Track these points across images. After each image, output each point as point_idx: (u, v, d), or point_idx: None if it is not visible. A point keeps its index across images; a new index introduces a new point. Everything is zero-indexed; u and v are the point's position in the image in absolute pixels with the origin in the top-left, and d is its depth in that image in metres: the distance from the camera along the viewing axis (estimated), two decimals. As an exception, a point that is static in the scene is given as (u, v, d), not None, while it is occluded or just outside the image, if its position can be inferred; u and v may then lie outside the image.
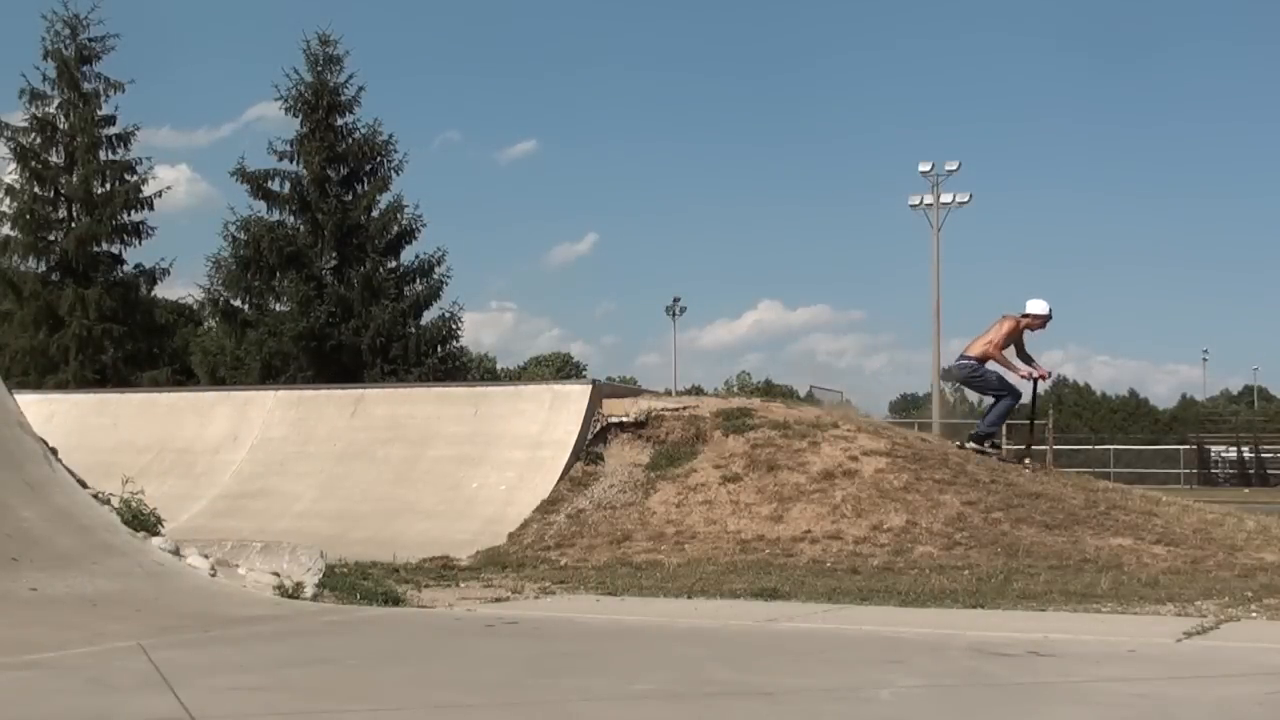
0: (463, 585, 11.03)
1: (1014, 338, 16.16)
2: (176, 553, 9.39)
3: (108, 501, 10.01)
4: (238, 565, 9.59)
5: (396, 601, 9.25)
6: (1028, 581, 11.38)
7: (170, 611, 8.06)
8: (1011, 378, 16.23)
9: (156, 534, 9.78)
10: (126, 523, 9.71)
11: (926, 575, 11.77)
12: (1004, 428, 17.36)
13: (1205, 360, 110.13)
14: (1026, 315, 16.24)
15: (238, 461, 16.92)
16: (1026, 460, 16.78)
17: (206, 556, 9.43)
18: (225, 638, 7.38)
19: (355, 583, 9.55)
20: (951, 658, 6.90)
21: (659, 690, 5.98)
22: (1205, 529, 14.54)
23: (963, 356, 16.42)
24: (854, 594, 10.37)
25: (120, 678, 5.95)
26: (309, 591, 9.07)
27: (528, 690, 5.95)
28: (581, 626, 8.34)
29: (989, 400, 16.76)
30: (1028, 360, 16.35)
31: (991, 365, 16.10)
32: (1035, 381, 16.54)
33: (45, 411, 19.24)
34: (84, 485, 10.21)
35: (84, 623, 7.47)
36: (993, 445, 16.35)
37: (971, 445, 16.31)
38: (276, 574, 9.33)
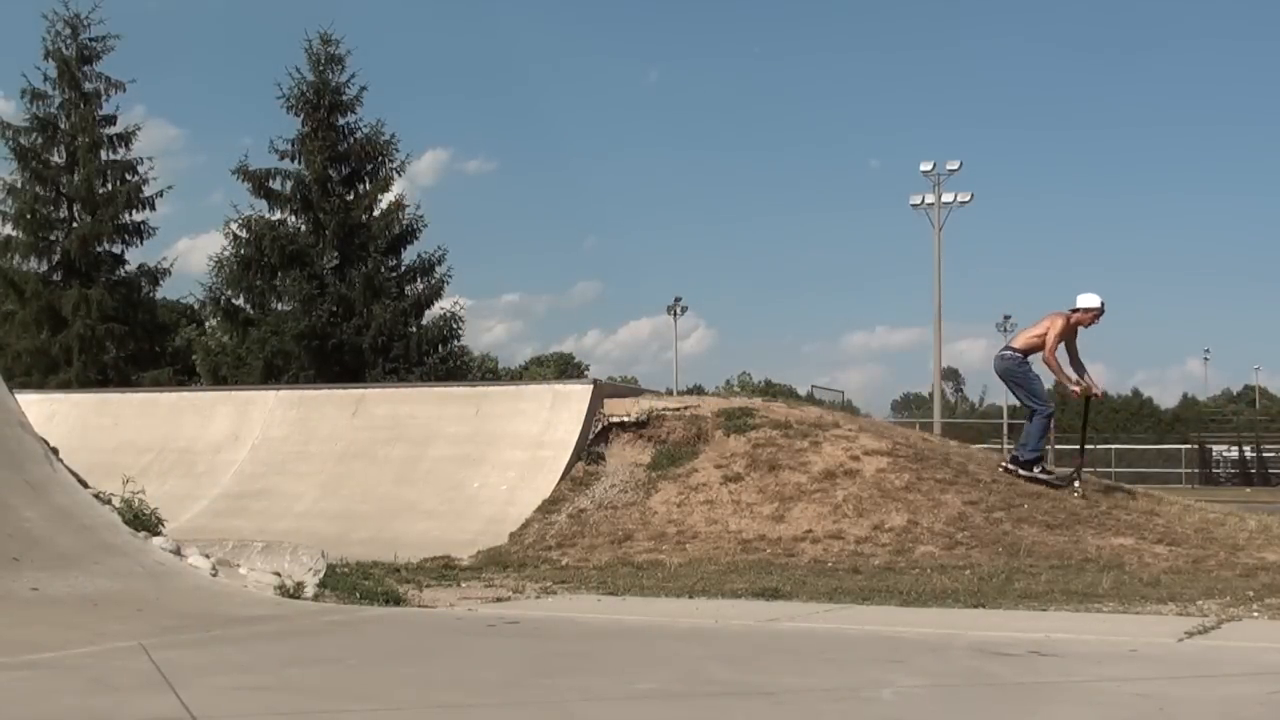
0: (464, 585, 11.02)
1: (1065, 337, 14.55)
2: (178, 552, 9.38)
3: (109, 501, 10.00)
4: (239, 565, 9.58)
5: (398, 601, 9.24)
6: (1029, 581, 11.33)
7: (171, 611, 8.04)
8: (1059, 387, 14.80)
9: (158, 534, 9.77)
10: (128, 522, 9.69)
11: (928, 575, 11.72)
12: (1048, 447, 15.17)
13: (1207, 359, 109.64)
14: (1076, 310, 14.59)
15: (239, 461, 16.90)
16: (1076, 483, 15.03)
17: (208, 556, 9.42)
18: (227, 637, 7.36)
19: (356, 583, 9.53)
20: (953, 657, 6.88)
21: (660, 690, 5.97)
22: (1207, 528, 14.48)
23: (1007, 348, 15.05)
24: (855, 594, 10.32)
25: (121, 678, 5.94)
26: (310, 591, 9.06)
27: (528, 690, 5.93)
28: (583, 626, 8.32)
29: (1023, 413, 15.16)
30: (1080, 369, 14.83)
31: (1037, 367, 14.55)
32: (1087, 399, 15.05)
33: (46, 411, 19.22)
34: (85, 485, 10.20)
35: (85, 622, 7.46)
36: (1043, 471, 14.86)
37: (1021, 473, 14.79)
38: (278, 574, 9.32)
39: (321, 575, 9.33)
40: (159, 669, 6.06)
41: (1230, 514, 15.57)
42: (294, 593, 9.00)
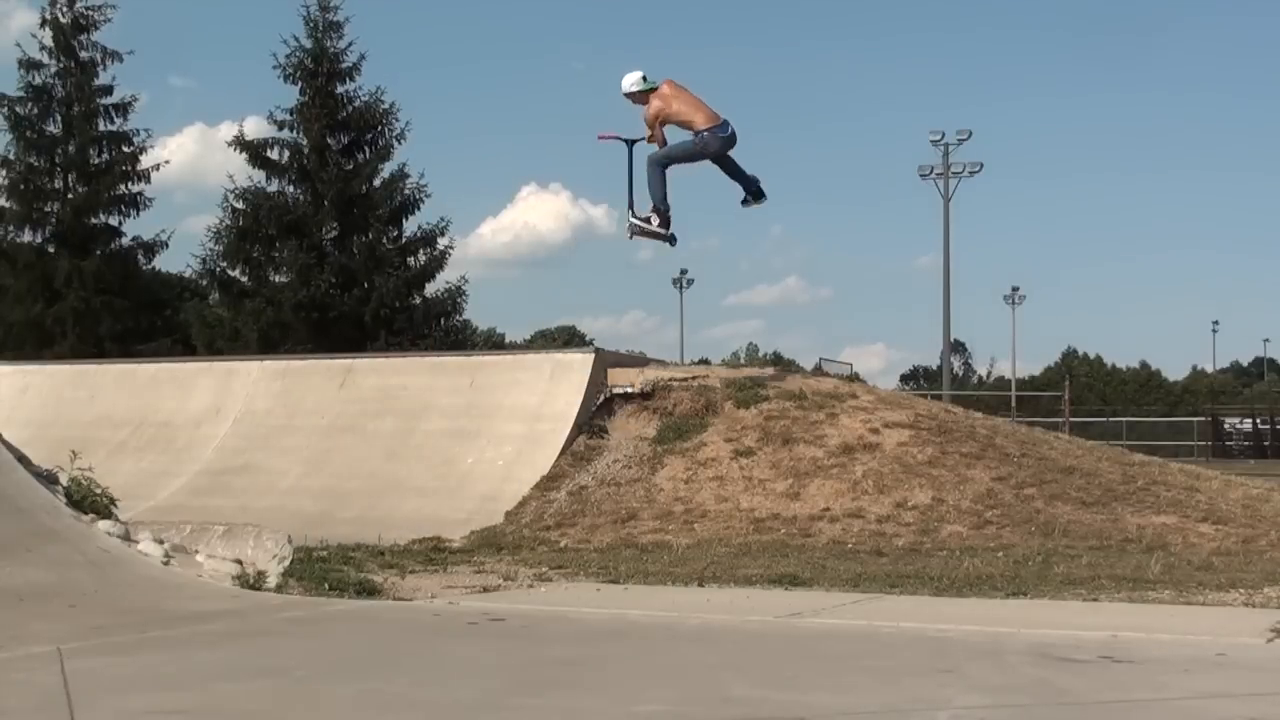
0: (451, 570, 10.07)
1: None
2: (127, 538, 8.36)
3: (55, 480, 9.01)
4: (197, 551, 8.59)
5: (372, 593, 8.19)
6: (1069, 565, 10.46)
7: (109, 607, 7.04)
8: None
9: (108, 516, 8.76)
10: (74, 504, 8.69)
11: (957, 557, 10.88)
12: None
13: (1215, 331, 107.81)
14: None
15: (220, 435, 15.96)
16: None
17: (161, 542, 8.41)
18: (163, 640, 6.35)
19: (327, 571, 8.51)
20: (1011, 665, 5.86)
21: (666, 713, 4.93)
22: (1252, 505, 13.73)
23: None
24: (881, 580, 9.43)
25: (16, 696, 4.93)
26: (272, 582, 8.04)
27: (507, 713, 4.91)
28: (578, 625, 7.28)
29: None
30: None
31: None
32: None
33: (20, 384, 18.40)
34: (28, 462, 9.20)
35: (4, 621, 6.47)
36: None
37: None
38: (239, 561, 8.34)
39: (288, 563, 8.33)
40: (66, 684, 5.06)
41: (1274, 490, 14.80)
42: (254, 583, 8.00)
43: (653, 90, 13.69)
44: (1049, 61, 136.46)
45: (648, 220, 14.05)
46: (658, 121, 13.65)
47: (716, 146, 13.67)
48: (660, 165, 13.82)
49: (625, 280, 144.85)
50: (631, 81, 13.61)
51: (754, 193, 14.33)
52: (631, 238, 14.44)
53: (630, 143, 14.11)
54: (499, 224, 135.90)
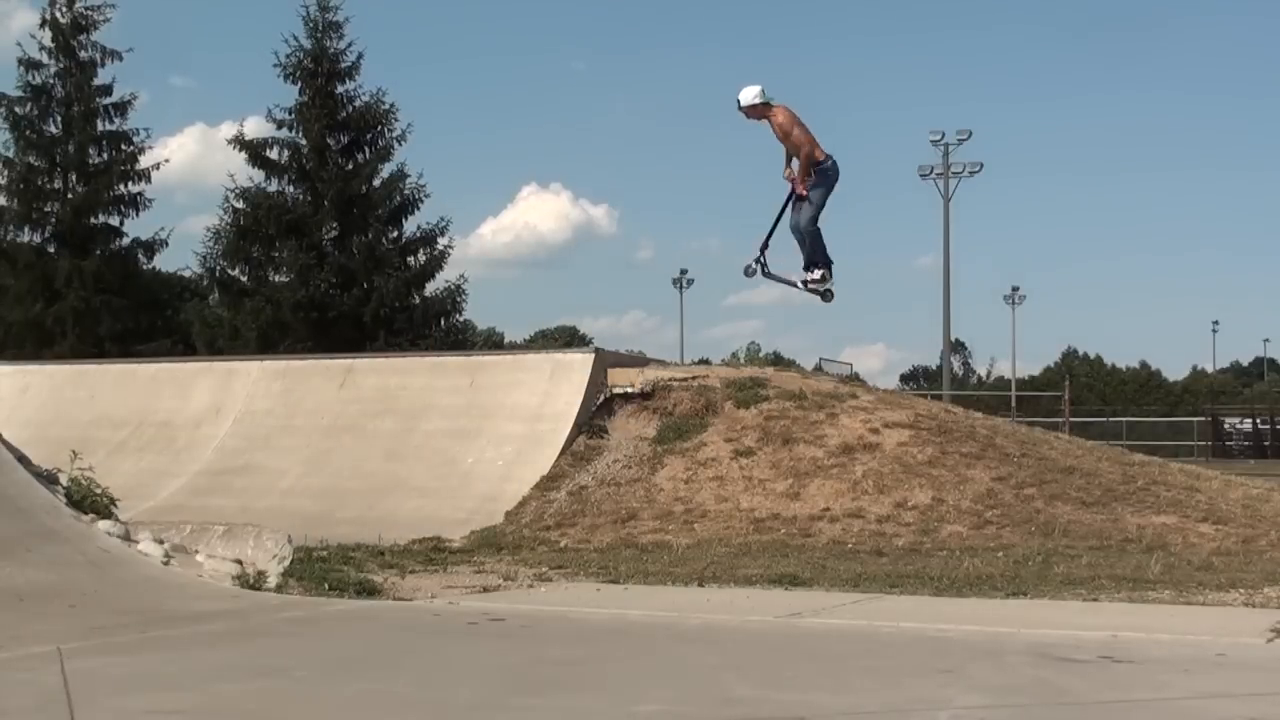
0: (451, 570, 10.07)
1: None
2: (127, 538, 8.36)
3: (55, 481, 9.00)
4: (197, 551, 8.58)
5: (371, 593, 8.19)
6: (1069, 565, 10.46)
7: (109, 607, 7.04)
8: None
9: (108, 516, 8.76)
10: (74, 504, 8.68)
11: (957, 557, 10.88)
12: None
13: (1215, 331, 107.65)
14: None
15: (220, 435, 15.96)
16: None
17: (161, 542, 8.41)
18: (163, 640, 6.35)
19: (327, 571, 8.51)
20: (1011, 665, 5.86)
21: (666, 712, 4.93)
22: (1252, 505, 13.72)
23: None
24: (881, 580, 9.43)
25: (16, 696, 4.93)
26: (272, 582, 8.04)
27: (507, 713, 4.91)
28: (577, 625, 7.28)
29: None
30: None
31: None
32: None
33: (19, 384, 18.41)
34: (28, 463, 9.20)
35: (4, 621, 6.47)
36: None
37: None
38: (239, 561, 8.34)
39: (288, 563, 8.32)
40: (66, 684, 5.06)
41: (1274, 490, 14.80)
42: (254, 583, 7.99)
43: (769, 105, 13.29)
44: (1049, 61, 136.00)
45: (820, 280, 13.39)
46: (793, 129, 13.07)
47: (836, 174, 13.26)
48: (816, 225, 13.25)
49: (625, 280, 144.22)
50: (754, 94, 13.17)
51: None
52: (751, 275, 13.58)
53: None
54: (499, 224, 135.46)
